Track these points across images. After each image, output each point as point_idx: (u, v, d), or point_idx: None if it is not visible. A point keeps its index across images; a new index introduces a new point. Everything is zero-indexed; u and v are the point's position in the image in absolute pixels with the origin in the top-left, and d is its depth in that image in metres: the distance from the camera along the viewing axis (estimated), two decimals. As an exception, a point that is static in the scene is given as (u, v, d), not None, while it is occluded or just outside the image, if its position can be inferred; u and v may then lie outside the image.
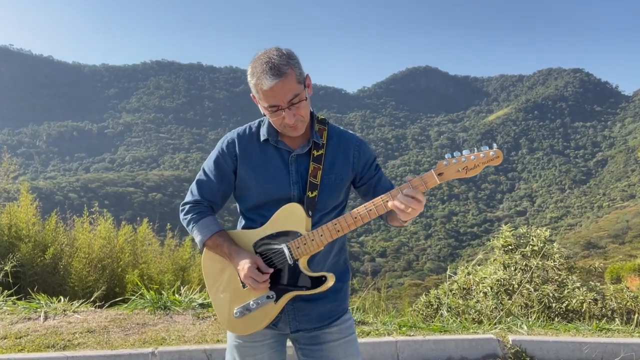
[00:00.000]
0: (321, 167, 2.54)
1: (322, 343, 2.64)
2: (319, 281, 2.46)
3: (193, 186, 2.69)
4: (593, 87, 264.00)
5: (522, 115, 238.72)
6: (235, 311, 2.53)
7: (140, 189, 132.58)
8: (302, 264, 2.48)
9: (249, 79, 2.40)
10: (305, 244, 2.45)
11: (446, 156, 2.34)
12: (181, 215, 2.68)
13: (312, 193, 2.50)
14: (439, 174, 2.34)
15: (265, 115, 2.53)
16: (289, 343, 2.80)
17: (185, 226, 2.67)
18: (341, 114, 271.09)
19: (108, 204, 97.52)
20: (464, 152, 2.33)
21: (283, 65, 2.31)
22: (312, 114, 2.59)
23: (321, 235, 2.43)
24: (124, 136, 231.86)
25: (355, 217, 2.42)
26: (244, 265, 2.45)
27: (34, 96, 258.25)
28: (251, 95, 2.47)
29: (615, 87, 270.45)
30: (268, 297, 2.49)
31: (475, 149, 2.32)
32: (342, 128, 2.70)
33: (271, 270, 2.47)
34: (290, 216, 2.49)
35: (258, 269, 2.45)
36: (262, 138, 2.57)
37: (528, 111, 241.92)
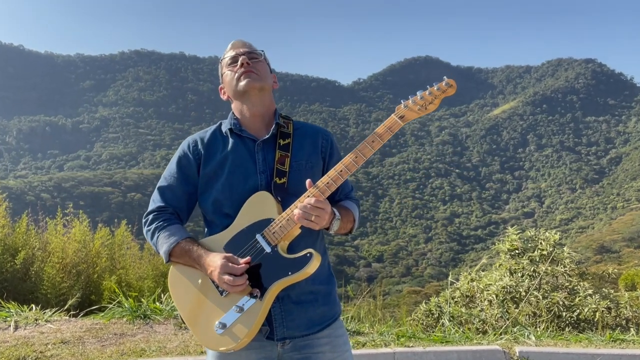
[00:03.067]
0: (289, 154, 2.60)
1: None
2: (303, 260, 2.39)
3: (154, 194, 2.67)
4: (606, 78, 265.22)
5: (530, 109, 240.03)
6: (216, 325, 2.41)
7: (118, 188, 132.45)
8: (282, 248, 2.46)
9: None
10: (280, 225, 2.43)
11: (402, 101, 2.50)
12: (144, 229, 2.63)
13: (280, 179, 2.54)
14: (400, 117, 2.47)
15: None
16: None
17: (149, 240, 2.61)
18: (334, 107, 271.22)
19: (83, 204, 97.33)
20: (419, 92, 2.49)
21: (250, 44, 2.72)
22: (275, 109, 2.75)
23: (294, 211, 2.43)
24: (100, 132, 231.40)
25: (328, 183, 2.44)
26: (215, 263, 2.38)
27: (3, 88, 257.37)
28: (219, 87, 2.79)
29: (631, 79, 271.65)
30: (252, 295, 2.40)
31: (428, 87, 2.49)
32: (308, 122, 2.84)
33: (247, 259, 2.40)
34: (258, 205, 2.50)
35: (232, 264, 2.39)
36: (224, 129, 2.67)
37: (536, 105, 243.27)
